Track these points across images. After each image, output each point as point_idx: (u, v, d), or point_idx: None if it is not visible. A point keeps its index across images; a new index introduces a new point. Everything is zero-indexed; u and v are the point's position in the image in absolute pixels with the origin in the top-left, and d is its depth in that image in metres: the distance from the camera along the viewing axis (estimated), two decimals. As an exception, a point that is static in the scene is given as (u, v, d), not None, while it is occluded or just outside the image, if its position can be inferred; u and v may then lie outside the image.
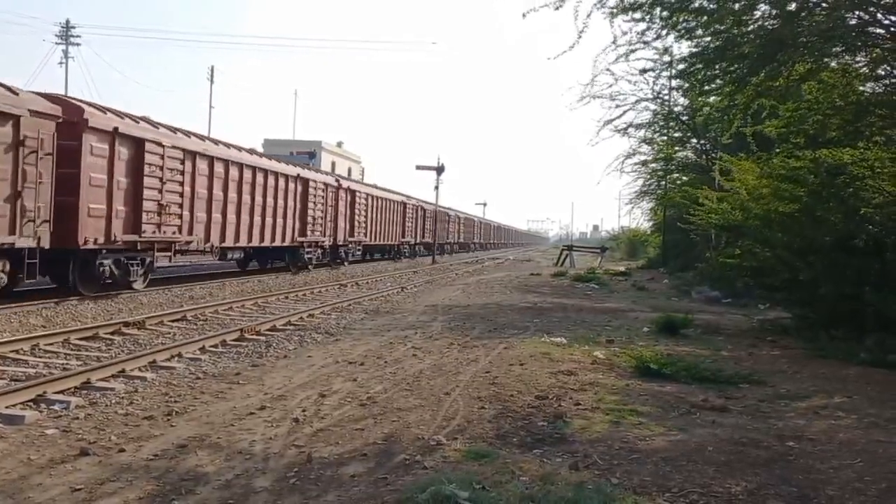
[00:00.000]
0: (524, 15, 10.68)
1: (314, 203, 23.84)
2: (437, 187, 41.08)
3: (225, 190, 17.49)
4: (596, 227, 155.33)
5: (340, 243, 27.21)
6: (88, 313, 11.84)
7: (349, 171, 61.69)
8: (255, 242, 19.67)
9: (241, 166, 18.38)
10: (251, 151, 21.02)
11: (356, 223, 29.06)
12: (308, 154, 53.68)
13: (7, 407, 5.96)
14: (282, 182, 21.04)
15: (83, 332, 9.72)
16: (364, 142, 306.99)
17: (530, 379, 7.63)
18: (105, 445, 5.12)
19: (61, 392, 6.61)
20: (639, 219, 46.05)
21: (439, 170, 40.30)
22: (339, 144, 69.72)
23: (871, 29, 10.40)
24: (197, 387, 7.10)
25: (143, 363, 8.06)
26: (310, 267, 23.97)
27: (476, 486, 4.25)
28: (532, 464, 4.88)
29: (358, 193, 29.73)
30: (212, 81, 60.40)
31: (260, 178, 19.48)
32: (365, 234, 30.52)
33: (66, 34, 55.99)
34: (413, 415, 6.12)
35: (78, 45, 57.57)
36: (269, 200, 20.15)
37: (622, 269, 31.52)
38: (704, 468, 4.88)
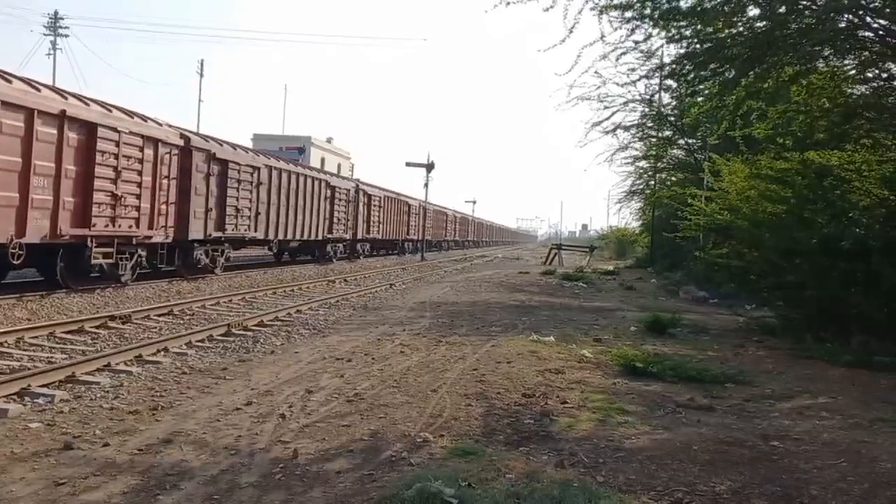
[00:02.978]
0: (507, 3, 10.50)
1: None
2: (426, 184, 41.10)
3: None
4: (585, 227, 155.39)
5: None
6: (74, 307, 11.76)
7: (339, 167, 61.50)
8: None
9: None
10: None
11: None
12: (297, 149, 53.46)
13: (-10, 400, 5.91)
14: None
15: (68, 326, 9.66)
16: (354, 138, 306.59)
17: (517, 377, 7.64)
18: (89, 439, 5.09)
19: (46, 385, 6.57)
20: (627, 218, 46.26)
21: (429, 167, 40.28)
22: (329, 140, 69.43)
23: (859, 32, 10.46)
24: (183, 382, 7.07)
25: (129, 357, 8.02)
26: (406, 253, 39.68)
27: (462, 484, 4.25)
28: (518, 461, 4.88)
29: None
30: (201, 75, 60.13)
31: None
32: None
33: (55, 25, 55.49)
34: (400, 412, 6.12)
35: (66, 36, 57.03)
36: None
37: (610, 268, 31.57)
38: (689, 467, 4.91)
